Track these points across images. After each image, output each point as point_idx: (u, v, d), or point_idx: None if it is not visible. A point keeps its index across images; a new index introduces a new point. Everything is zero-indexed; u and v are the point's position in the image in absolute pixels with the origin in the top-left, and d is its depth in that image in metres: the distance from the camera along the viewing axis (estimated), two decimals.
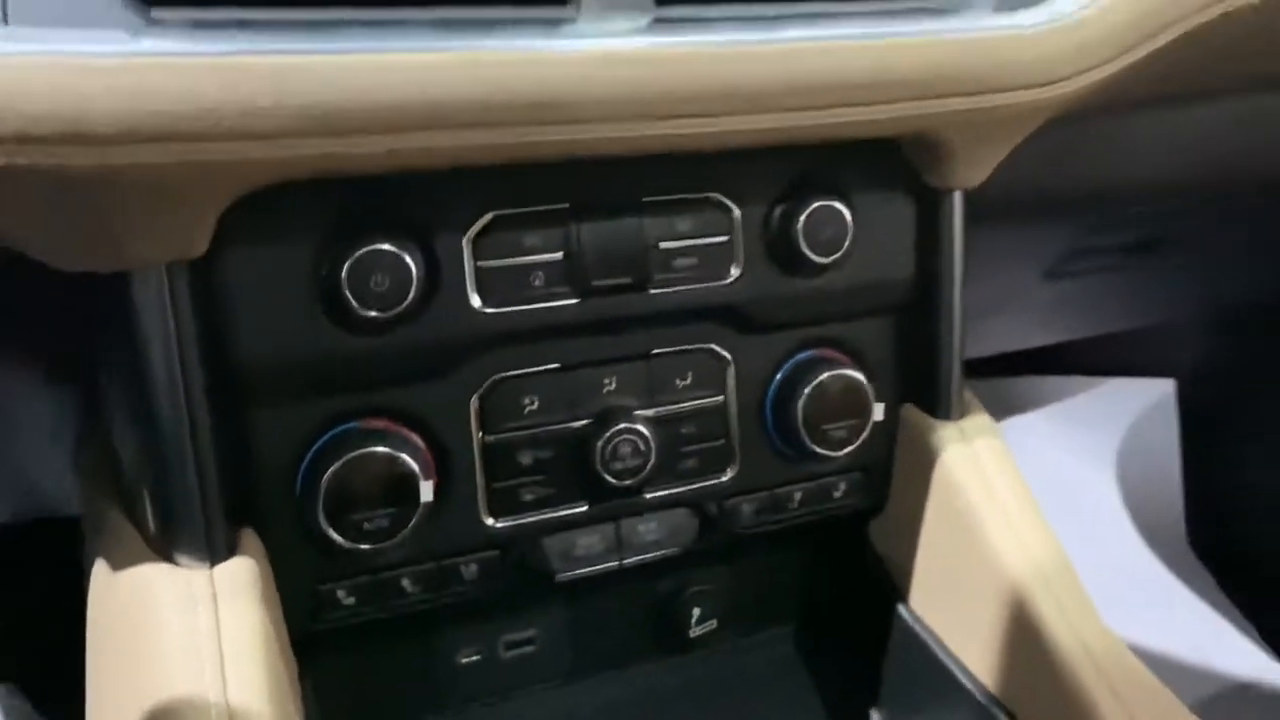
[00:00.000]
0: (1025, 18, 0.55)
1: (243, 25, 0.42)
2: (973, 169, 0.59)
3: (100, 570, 0.50)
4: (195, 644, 0.45)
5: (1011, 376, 1.50)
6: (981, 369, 0.99)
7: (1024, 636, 0.57)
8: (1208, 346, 1.33)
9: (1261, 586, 1.25)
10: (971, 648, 0.60)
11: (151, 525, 0.49)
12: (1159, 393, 1.39)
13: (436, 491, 0.52)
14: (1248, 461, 1.30)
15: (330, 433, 0.50)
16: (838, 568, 0.69)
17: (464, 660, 0.63)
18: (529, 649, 0.65)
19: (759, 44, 0.48)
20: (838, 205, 0.56)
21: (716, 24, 0.49)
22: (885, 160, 0.58)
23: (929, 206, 0.60)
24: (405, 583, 0.55)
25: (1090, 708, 0.53)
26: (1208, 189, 0.89)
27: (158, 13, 0.40)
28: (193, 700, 0.43)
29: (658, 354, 0.57)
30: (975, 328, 0.65)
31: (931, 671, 0.62)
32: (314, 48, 0.41)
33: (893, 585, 0.66)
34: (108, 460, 0.55)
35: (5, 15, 0.39)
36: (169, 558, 0.47)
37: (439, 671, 0.62)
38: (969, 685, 0.59)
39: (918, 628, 0.63)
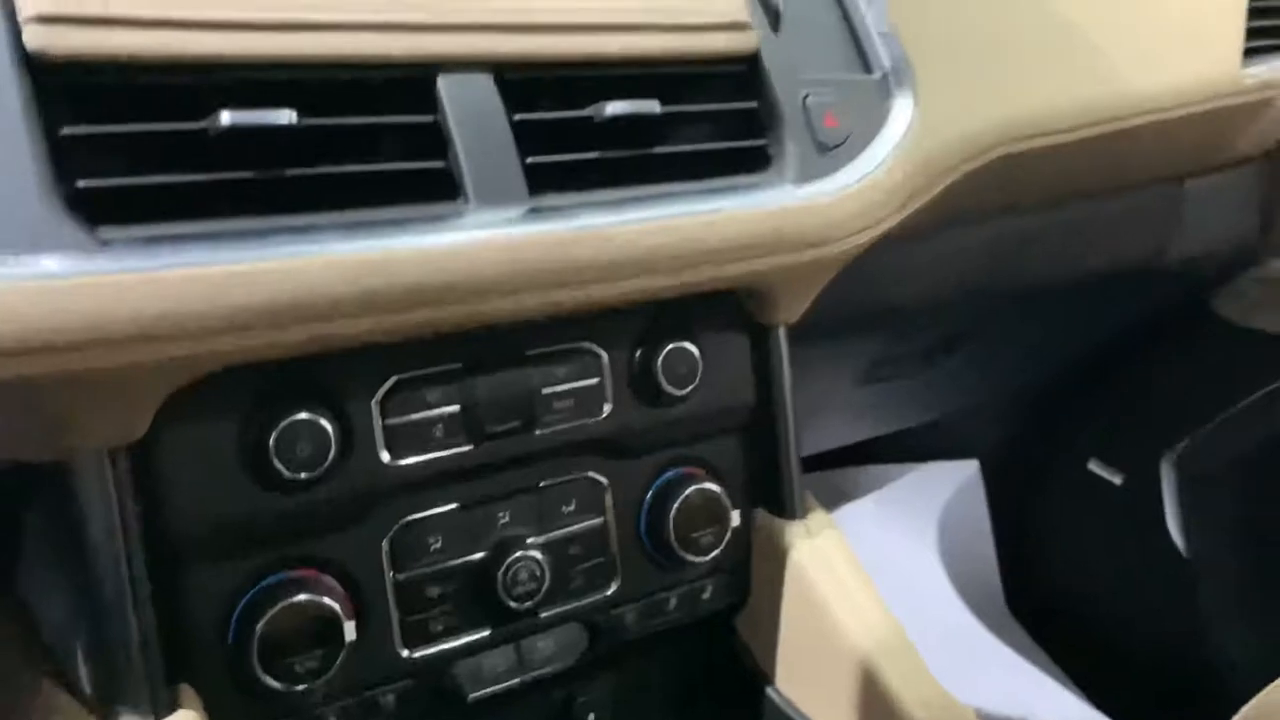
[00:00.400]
0: (819, 188, 0.66)
1: (180, 238, 0.47)
2: (791, 308, 0.70)
3: None
4: None
5: (835, 468, 1.62)
6: (808, 464, 1.11)
7: (877, 704, 0.65)
8: (1004, 427, 1.48)
9: (1073, 639, 1.35)
10: (833, 714, 0.68)
11: (88, 688, 0.51)
12: (966, 473, 1.53)
13: (357, 629, 0.56)
14: (1048, 527, 1.45)
15: (257, 586, 0.54)
16: (711, 661, 0.76)
17: None
18: None
19: (613, 226, 0.57)
20: (688, 346, 0.65)
21: (580, 209, 0.57)
22: (723, 305, 0.68)
23: (760, 340, 0.70)
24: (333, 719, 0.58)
25: None
26: (992, 293, 1.03)
27: (104, 232, 0.45)
28: None
29: (544, 485, 0.63)
30: (802, 429, 0.74)
31: None
32: (247, 255, 0.47)
33: (760, 670, 0.72)
34: (21, 630, 0.57)
35: None
36: (110, 718, 0.50)
37: None
38: None
39: (786, 707, 0.71)
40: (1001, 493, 1.49)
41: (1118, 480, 1.31)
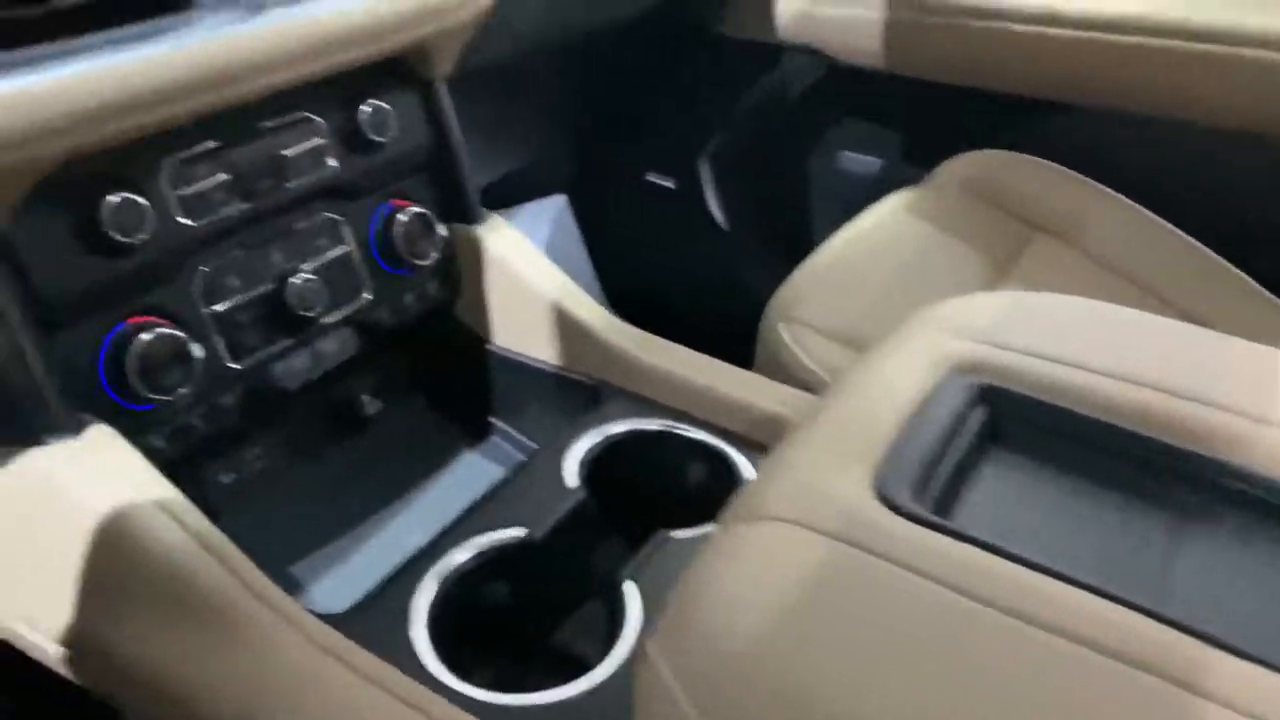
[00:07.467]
0: None
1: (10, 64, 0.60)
2: (446, 65, 0.89)
3: None
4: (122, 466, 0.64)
5: None
6: None
7: (571, 333, 0.89)
8: (578, 162, 1.70)
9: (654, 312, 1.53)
10: (536, 346, 0.92)
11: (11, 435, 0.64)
12: (557, 205, 1.72)
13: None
14: (626, 235, 1.70)
15: (114, 331, 0.68)
16: (442, 339, 0.96)
17: (225, 480, 0.83)
18: (266, 459, 0.86)
19: (315, 13, 0.75)
20: (381, 103, 0.82)
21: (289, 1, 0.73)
22: (399, 69, 0.85)
23: (429, 93, 0.89)
24: (196, 422, 0.75)
25: (607, 358, 0.87)
26: (552, 44, 1.26)
27: None
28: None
29: (299, 228, 0.80)
30: None
31: (521, 372, 0.93)
32: (64, 71, 0.60)
33: (479, 335, 0.95)
34: None
35: None
36: (40, 444, 0.64)
37: (209, 495, 0.79)
38: (542, 367, 0.92)
39: (503, 352, 0.94)
40: (586, 216, 1.72)
41: (671, 184, 1.59)
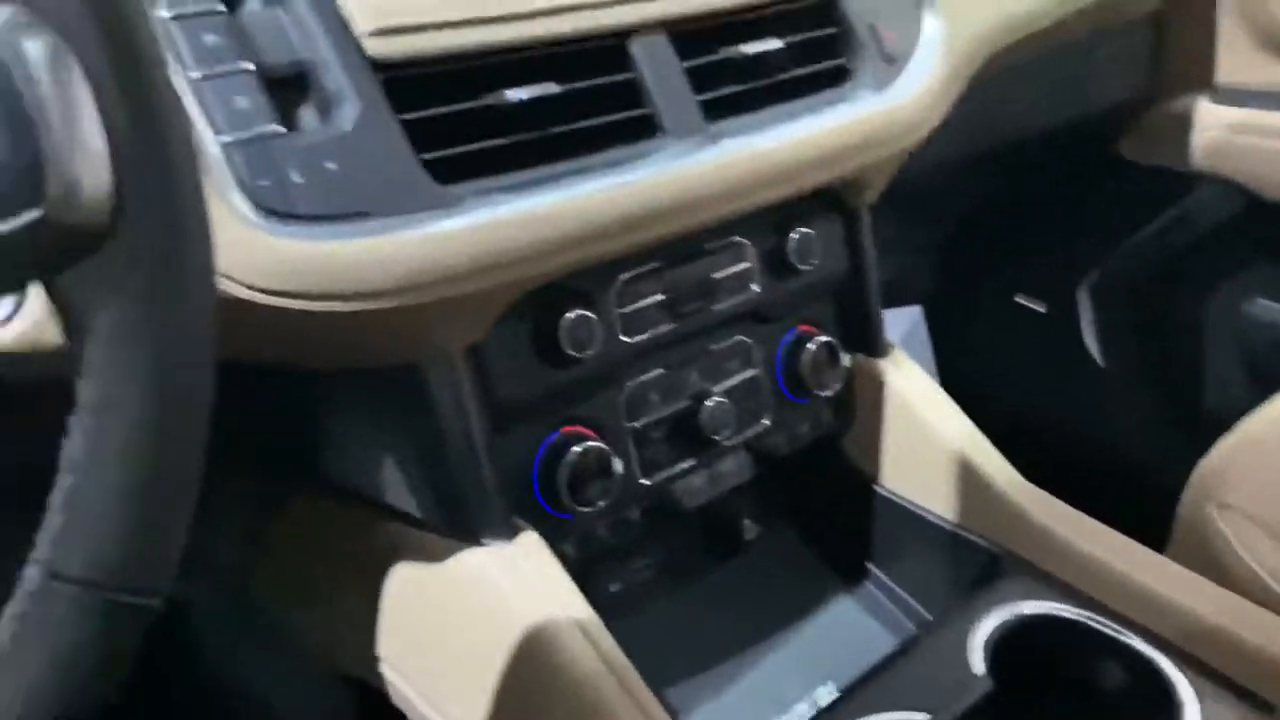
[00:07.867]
0: (895, 94, 0.82)
1: (505, 189, 0.61)
2: (874, 193, 0.87)
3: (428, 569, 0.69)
4: (549, 582, 0.66)
5: None
6: None
7: (970, 488, 0.84)
8: (940, 275, 1.62)
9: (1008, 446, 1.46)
10: (930, 496, 0.87)
11: (448, 530, 0.68)
12: (912, 317, 1.65)
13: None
14: (983, 356, 1.59)
15: (548, 439, 0.71)
16: (828, 472, 0.94)
17: (613, 589, 0.84)
18: (650, 573, 0.86)
19: (771, 143, 0.74)
20: (808, 230, 0.81)
21: (743, 131, 0.73)
22: (828, 195, 0.84)
23: (852, 220, 0.87)
24: (602, 532, 0.77)
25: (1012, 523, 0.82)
26: (952, 161, 1.17)
27: (454, 190, 0.59)
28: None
29: (715, 349, 0.80)
30: None
31: (908, 520, 0.88)
32: (559, 195, 0.62)
33: (867, 475, 0.91)
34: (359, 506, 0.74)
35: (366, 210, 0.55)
36: (477, 543, 0.67)
37: (599, 604, 0.73)
38: (935, 520, 0.86)
39: (893, 497, 0.90)
40: (941, 331, 1.64)
41: (1042, 309, 1.48)
